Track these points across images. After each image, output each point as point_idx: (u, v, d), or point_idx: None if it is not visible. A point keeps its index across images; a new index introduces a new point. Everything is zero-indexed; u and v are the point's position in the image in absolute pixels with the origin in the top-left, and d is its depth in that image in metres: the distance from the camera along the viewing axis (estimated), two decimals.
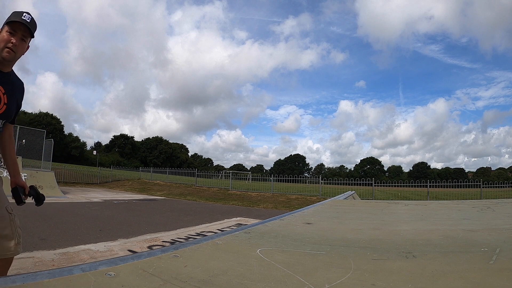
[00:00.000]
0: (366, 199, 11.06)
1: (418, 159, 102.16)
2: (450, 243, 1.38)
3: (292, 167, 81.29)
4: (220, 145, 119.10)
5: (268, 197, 14.50)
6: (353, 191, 7.10)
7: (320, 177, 17.13)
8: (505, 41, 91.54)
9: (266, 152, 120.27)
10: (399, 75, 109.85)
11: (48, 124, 51.27)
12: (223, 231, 4.63)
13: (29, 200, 1.79)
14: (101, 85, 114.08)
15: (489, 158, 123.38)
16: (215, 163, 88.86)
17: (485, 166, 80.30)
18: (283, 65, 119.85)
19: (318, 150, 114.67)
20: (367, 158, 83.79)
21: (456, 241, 1.41)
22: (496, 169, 76.38)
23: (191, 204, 12.23)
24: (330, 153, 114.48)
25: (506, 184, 16.77)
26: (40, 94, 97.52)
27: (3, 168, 9.54)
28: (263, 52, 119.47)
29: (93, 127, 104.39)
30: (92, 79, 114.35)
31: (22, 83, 1.67)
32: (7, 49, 1.46)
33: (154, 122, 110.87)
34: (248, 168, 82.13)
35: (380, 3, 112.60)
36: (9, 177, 1.73)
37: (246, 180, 29.29)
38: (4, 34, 1.48)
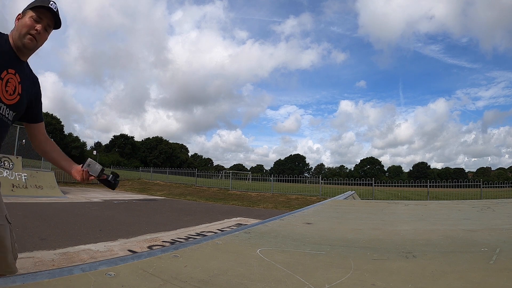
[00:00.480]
0: (366, 199, 11.07)
1: (418, 159, 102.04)
2: (450, 243, 1.38)
3: (292, 167, 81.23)
4: (220, 145, 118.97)
5: (268, 197, 14.50)
6: (353, 191, 7.11)
7: (320, 177, 17.14)
8: (505, 41, 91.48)
9: (266, 152, 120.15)
10: (400, 75, 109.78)
11: (48, 124, 51.28)
12: (223, 231, 4.63)
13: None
14: (101, 85, 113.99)
15: (489, 158, 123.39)
16: (215, 163, 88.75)
17: (485, 166, 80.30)
18: (283, 65, 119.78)
19: (318, 150, 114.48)
20: (367, 158, 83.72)
21: (456, 241, 1.41)
22: (496, 169, 76.33)
23: (191, 204, 12.24)
24: (330, 153, 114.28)
25: (506, 184, 16.79)
26: None
27: (3, 168, 9.49)
28: (263, 52, 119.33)
29: (93, 127, 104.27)
30: (92, 79, 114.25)
31: (37, 77, 1.50)
32: (30, 36, 1.29)
33: (154, 122, 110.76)
34: (248, 168, 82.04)
35: (381, 3, 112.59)
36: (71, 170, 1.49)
37: (246, 180, 29.28)
38: (27, 19, 1.30)
